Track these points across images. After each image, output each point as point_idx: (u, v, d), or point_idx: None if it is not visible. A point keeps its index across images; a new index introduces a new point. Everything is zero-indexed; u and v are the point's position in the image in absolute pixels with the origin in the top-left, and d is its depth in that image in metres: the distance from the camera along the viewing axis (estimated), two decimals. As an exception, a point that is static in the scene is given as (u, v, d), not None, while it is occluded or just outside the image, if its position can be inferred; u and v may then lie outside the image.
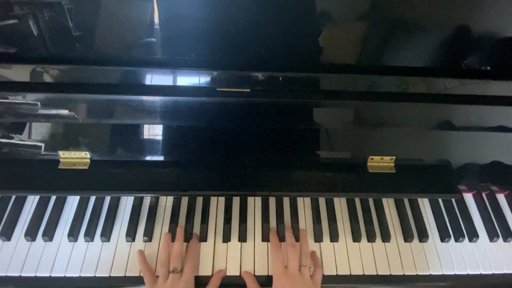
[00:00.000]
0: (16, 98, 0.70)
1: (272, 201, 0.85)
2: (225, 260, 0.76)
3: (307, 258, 0.73)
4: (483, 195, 0.90)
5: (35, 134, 0.76)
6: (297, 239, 0.78)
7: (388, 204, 0.86)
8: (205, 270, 0.75)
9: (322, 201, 0.85)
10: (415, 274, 0.77)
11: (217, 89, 0.71)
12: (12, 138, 0.77)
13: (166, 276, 0.70)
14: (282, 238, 0.78)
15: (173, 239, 0.77)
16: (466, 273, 0.78)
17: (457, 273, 0.78)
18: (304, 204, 0.85)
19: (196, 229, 0.80)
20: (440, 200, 0.87)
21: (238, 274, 0.74)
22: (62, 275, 0.73)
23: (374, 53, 0.71)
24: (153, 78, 0.71)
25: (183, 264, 0.72)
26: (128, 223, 0.80)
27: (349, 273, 0.76)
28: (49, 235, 0.77)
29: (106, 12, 0.64)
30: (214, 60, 0.70)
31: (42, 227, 0.79)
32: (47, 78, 0.70)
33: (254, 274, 0.74)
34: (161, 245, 0.77)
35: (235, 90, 0.72)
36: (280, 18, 0.65)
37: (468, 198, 0.89)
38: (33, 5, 0.62)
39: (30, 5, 0.62)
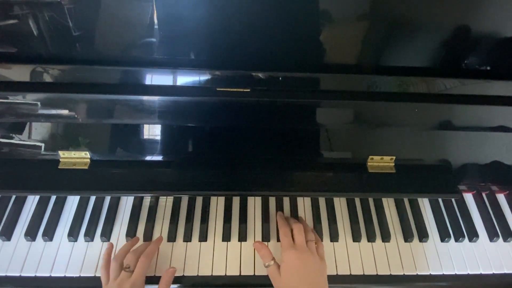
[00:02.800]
0: (16, 98, 0.70)
1: (272, 201, 0.85)
2: (225, 259, 0.76)
3: (311, 233, 0.75)
4: (483, 195, 0.90)
5: (35, 134, 0.76)
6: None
7: (388, 204, 0.86)
8: (205, 270, 0.75)
9: (322, 201, 0.85)
10: (415, 274, 0.77)
11: (217, 89, 0.71)
12: (12, 138, 0.77)
13: (117, 273, 0.68)
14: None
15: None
16: (466, 273, 0.78)
17: (457, 273, 0.78)
18: (304, 204, 0.85)
19: (196, 229, 0.80)
20: (440, 200, 0.87)
21: (238, 274, 0.75)
22: (62, 275, 0.73)
23: (374, 53, 0.71)
24: (153, 78, 0.71)
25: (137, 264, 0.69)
26: (128, 223, 0.80)
27: (349, 273, 0.76)
28: (49, 235, 0.77)
29: (106, 12, 0.64)
30: (214, 60, 0.70)
31: (42, 227, 0.79)
32: (47, 78, 0.70)
33: (254, 274, 0.74)
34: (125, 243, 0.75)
35: (235, 90, 0.71)
36: (280, 18, 0.65)
37: (468, 198, 0.89)
38: (33, 5, 0.62)
39: (30, 5, 0.62)
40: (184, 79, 0.72)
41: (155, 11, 0.64)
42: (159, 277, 0.71)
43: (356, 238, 0.80)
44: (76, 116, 0.72)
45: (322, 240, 0.79)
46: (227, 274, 0.74)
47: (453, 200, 0.87)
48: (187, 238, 0.78)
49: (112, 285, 0.66)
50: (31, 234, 0.77)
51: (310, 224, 0.82)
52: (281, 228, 0.76)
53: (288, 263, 0.69)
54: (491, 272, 0.78)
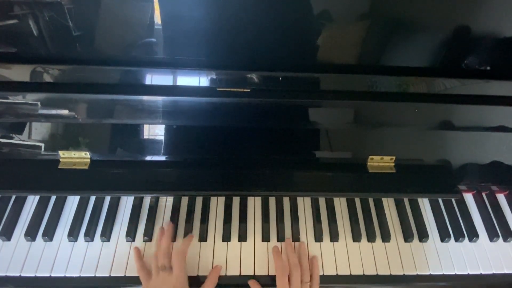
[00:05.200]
0: (16, 98, 0.70)
1: (272, 201, 0.85)
2: (225, 259, 0.76)
3: (307, 274, 0.73)
4: (483, 195, 0.90)
5: (35, 134, 0.76)
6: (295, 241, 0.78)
7: (388, 204, 0.86)
8: (205, 270, 0.75)
9: (322, 201, 0.85)
10: (415, 274, 0.77)
11: (217, 89, 0.71)
12: (12, 138, 0.77)
13: (158, 271, 0.71)
14: (282, 238, 0.79)
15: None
16: (466, 273, 0.78)
17: (457, 273, 0.78)
18: (304, 204, 0.85)
19: (196, 229, 0.80)
20: (440, 200, 0.87)
21: (238, 274, 0.75)
22: (62, 275, 0.73)
23: (374, 53, 0.71)
24: (153, 78, 0.71)
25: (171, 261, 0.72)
26: (128, 223, 0.80)
27: (349, 273, 0.76)
28: (49, 235, 0.77)
29: (106, 12, 0.64)
30: (214, 60, 0.70)
31: (42, 227, 0.79)
32: (47, 78, 0.70)
33: (254, 274, 0.74)
34: (157, 241, 0.77)
35: (235, 90, 0.72)
36: (280, 18, 0.65)
37: (468, 198, 0.89)
38: (33, 5, 0.62)
39: (30, 5, 0.62)
40: (184, 79, 0.72)
41: (155, 11, 0.64)
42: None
43: (356, 238, 0.80)
44: (76, 116, 0.72)
45: (322, 240, 0.79)
46: (227, 274, 0.74)
47: (453, 200, 0.87)
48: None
49: (157, 280, 0.69)
50: (31, 234, 0.77)
51: (310, 224, 0.82)
52: (278, 268, 0.73)
53: None
54: (491, 272, 0.78)
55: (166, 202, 0.84)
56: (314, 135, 0.79)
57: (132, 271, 0.74)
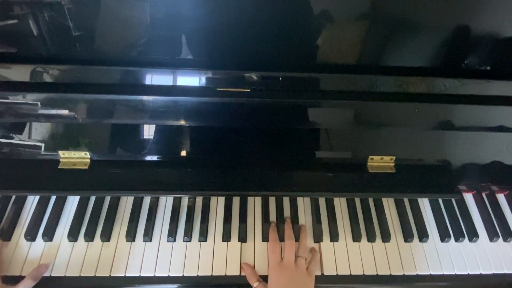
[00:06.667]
0: (16, 98, 0.70)
1: (272, 201, 0.85)
2: (225, 260, 0.76)
3: (304, 249, 0.75)
4: (483, 195, 0.90)
5: (35, 134, 0.76)
6: (296, 236, 0.78)
7: (388, 204, 0.86)
8: (205, 270, 0.75)
9: (322, 201, 0.85)
10: (415, 274, 0.77)
11: (217, 89, 0.71)
12: (12, 138, 0.77)
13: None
14: (282, 238, 0.79)
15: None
16: (466, 273, 0.78)
17: (457, 273, 0.78)
18: (304, 204, 0.85)
19: (196, 229, 0.80)
20: (440, 200, 0.87)
21: (238, 274, 0.75)
22: (62, 275, 0.73)
23: (374, 53, 0.71)
24: (153, 78, 0.71)
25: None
26: (128, 223, 0.80)
27: (349, 273, 0.76)
28: (49, 235, 0.77)
29: (106, 12, 0.64)
30: (213, 60, 0.70)
31: (42, 227, 0.79)
32: (47, 78, 0.70)
33: (254, 274, 0.74)
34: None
35: (235, 90, 0.71)
36: (280, 18, 0.65)
37: (468, 198, 0.89)
38: (33, 5, 0.62)
39: (30, 5, 0.62)
40: (184, 79, 0.72)
41: (155, 11, 0.64)
42: (159, 278, 0.72)
43: (356, 238, 0.80)
44: (76, 116, 0.72)
45: (322, 240, 0.79)
46: (227, 274, 0.74)
47: (453, 200, 0.87)
48: (187, 238, 0.78)
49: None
50: (31, 234, 0.77)
51: (310, 224, 0.82)
52: (270, 243, 0.76)
53: (273, 282, 0.70)
54: (491, 272, 0.78)
55: (166, 202, 0.84)
56: (314, 135, 0.79)
57: (133, 271, 0.74)
